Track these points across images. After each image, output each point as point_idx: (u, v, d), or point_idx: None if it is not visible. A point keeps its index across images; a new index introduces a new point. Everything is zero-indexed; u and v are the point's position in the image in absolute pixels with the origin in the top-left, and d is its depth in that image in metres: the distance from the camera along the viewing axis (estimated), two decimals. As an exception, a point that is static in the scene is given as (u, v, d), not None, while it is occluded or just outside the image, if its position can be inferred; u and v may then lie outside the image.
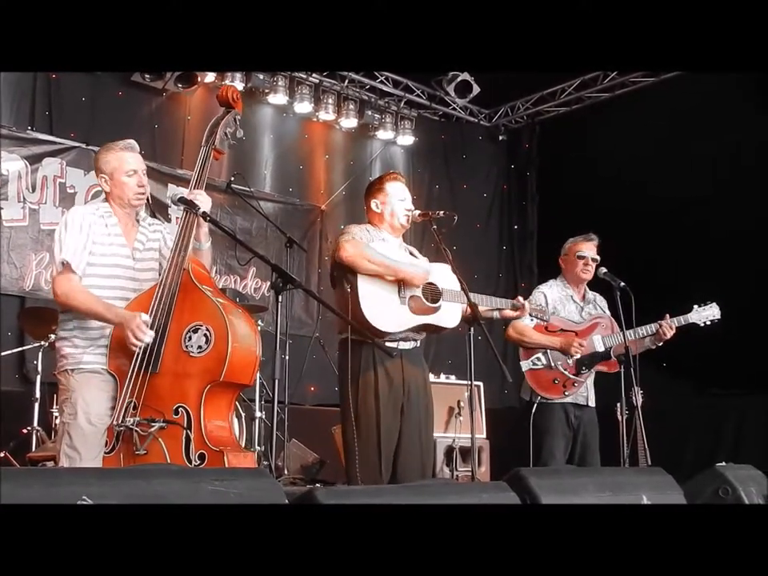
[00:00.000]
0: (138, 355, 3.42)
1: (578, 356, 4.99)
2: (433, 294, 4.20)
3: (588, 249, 5.18)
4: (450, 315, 4.25)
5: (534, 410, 4.98)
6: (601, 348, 5.05)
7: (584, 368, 5.01)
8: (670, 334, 5.01)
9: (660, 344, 5.09)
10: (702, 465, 4.05)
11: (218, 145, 3.77)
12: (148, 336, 3.39)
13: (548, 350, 5.02)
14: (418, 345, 4.29)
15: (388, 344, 4.05)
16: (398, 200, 4.32)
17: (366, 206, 4.44)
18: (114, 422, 3.39)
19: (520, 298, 4.53)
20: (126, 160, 3.71)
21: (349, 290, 4.06)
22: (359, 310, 4.00)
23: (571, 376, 5.00)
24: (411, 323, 4.13)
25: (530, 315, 4.58)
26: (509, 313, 4.43)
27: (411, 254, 4.43)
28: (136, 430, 3.32)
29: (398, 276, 4.11)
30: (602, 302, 5.30)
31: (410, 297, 4.15)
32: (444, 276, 4.29)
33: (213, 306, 3.43)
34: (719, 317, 5.08)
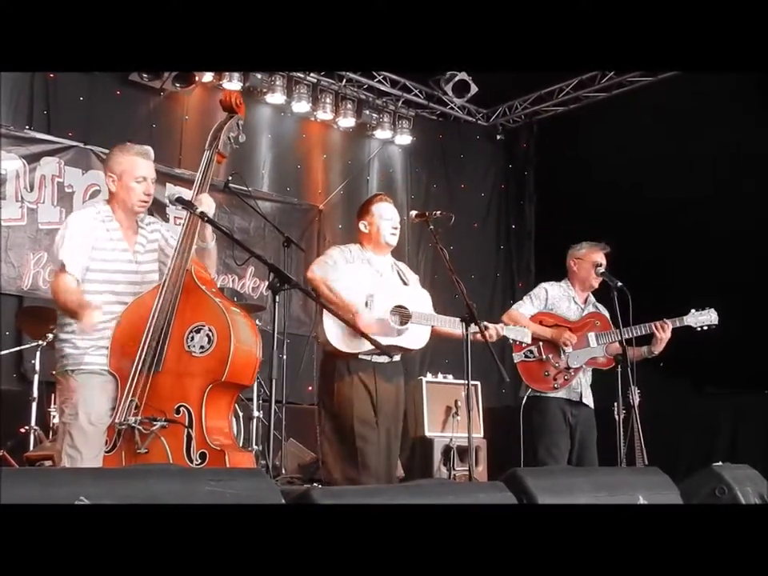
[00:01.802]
0: (140, 355, 3.45)
1: (570, 349, 5.03)
2: (403, 316, 4.33)
3: (603, 259, 5.20)
4: (416, 337, 4.40)
5: (524, 403, 5.04)
6: (594, 345, 5.11)
7: (575, 363, 5.05)
8: (663, 334, 5.02)
9: (656, 353, 5.09)
10: (699, 464, 4.06)
11: (222, 149, 3.80)
12: (89, 317, 3.39)
13: (540, 343, 5.06)
14: (393, 360, 4.38)
15: (362, 357, 4.24)
16: (383, 219, 4.47)
17: (356, 228, 4.58)
18: (116, 421, 3.40)
19: (498, 326, 4.56)
20: (139, 165, 3.73)
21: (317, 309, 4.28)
22: (322, 329, 4.24)
23: (562, 369, 5.04)
24: (371, 345, 4.19)
25: (511, 340, 4.61)
26: (480, 338, 4.39)
27: (400, 273, 4.57)
28: (138, 428, 3.34)
29: (348, 315, 4.15)
30: (604, 310, 5.32)
31: (376, 319, 4.27)
32: (417, 298, 4.44)
33: (215, 307, 3.46)
34: (716, 323, 5.09)
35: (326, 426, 4.28)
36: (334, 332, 4.23)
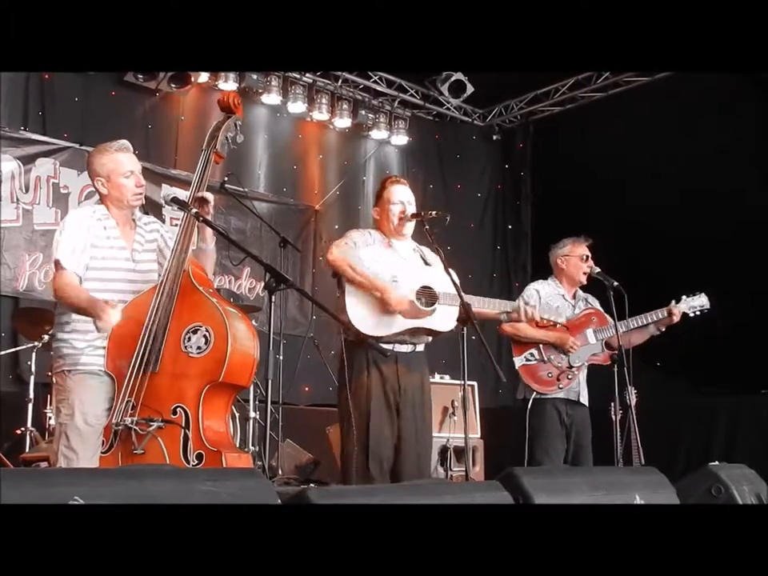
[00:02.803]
0: (137, 355, 3.44)
1: (573, 352, 5.03)
2: (429, 297, 4.18)
3: (586, 250, 5.23)
4: (444, 319, 4.21)
5: (529, 407, 4.99)
6: (593, 341, 5.11)
7: (577, 361, 5.05)
8: (677, 318, 5.08)
9: (663, 329, 5.14)
10: (696, 464, 4.05)
11: (219, 149, 3.79)
12: (112, 316, 3.36)
13: (541, 345, 5.04)
14: (417, 348, 4.27)
15: (384, 345, 4.03)
16: (391, 204, 4.32)
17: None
18: (113, 421, 3.40)
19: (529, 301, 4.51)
20: (122, 162, 3.72)
21: (339, 294, 4.13)
22: (345, 313, 4.04)
23: (565, 369, 5.03)
24: (402, 326, 4.12)
25: (542, 318, 4.53)
26: (516, 316, 4.38)
27: (423, 256, 4.41)
28: (135, 429, 3.33)
29: (376, 293, 4.07)
30: (594, 301, 5.34)
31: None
32: (443, 279, 4.23)
33: (212, 308, 3.46)
34: (708, 306, 5.15)
35: (343, 423, 4.11)
36: (359, 315, 4.04)
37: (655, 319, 5.07)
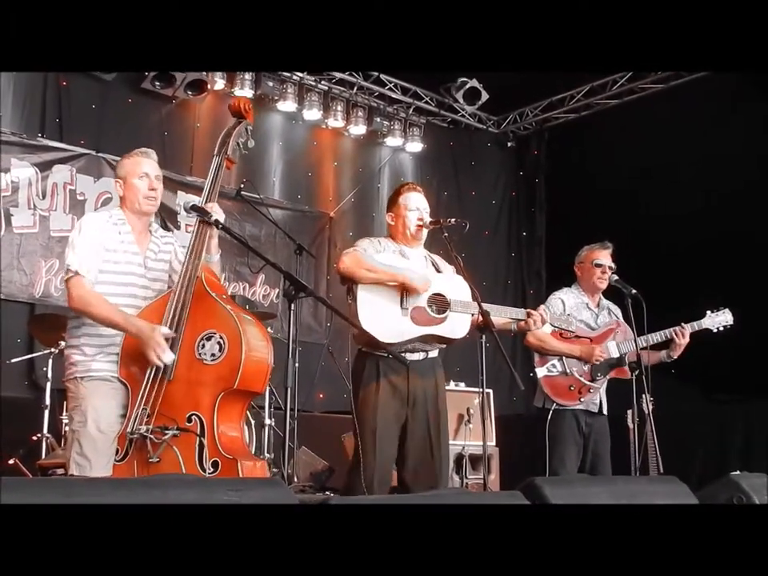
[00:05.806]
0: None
1: (598, 364, 4.98)
2: (440, 304, 4.16)
3: (604, 257, 5.16)
4: (457, 326, 4.19)
5: (549, 418, 4.94)
6: (616, 354, 5.04)
7: (599, 375, 5.00)
8: (684, 339, 5.01)
9: (675, 357, 5.07)
10: (712, 472, 4.01)
11: (230, 154, 3.80)
12: (167, 356, 3.38)
13: (563, 357, 5.00)
14: (429, 356, 4.25)
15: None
16: (408, 210, 4.31)
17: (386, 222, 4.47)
18: (128, 430, 3.39)
19: (541, 308, 4.41)
20: (140, 163, 3.77)
21: (350, 302, 4.11)
22: (357, 320, 4.01)
23: (587, 382, 4.98)
24: (413, 334, 4.09)
25: (552, 326, 4.50)
26: (524, 325, 4.32)
27: (434, 264, 4.40)
28: (150, 437, 3.33)
29: (397, 281, 4.07)
30: (615, 309, 5.27)
31: (413, 308, 4.10)
32: (454, 286, 4.24)
33: (226, 314, 3.44)
34: (732, 322, 5.09)
35: (356, 432, 4.10)
36: (373, 320, 4.00)
37: (667, 337, 5.02)
